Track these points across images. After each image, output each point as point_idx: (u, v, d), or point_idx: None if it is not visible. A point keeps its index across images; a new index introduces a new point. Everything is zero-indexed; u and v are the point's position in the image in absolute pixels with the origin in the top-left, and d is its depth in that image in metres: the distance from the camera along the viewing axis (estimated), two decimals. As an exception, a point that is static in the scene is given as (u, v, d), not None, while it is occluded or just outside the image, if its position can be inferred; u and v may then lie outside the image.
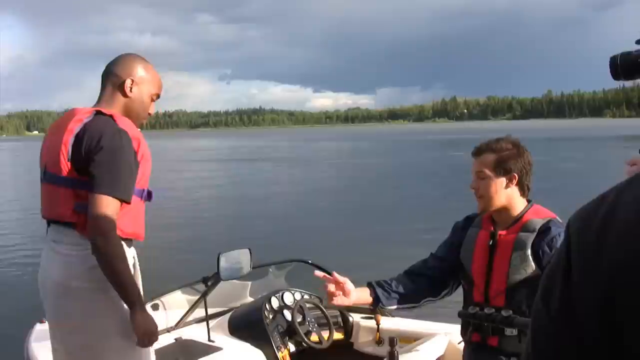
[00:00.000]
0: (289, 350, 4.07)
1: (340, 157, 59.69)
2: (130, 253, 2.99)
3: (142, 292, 2.96)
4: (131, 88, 3.04)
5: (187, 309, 4.38)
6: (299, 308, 4.21)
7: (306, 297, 4.46)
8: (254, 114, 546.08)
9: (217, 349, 3.99)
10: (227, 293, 4.64)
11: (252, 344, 4.05)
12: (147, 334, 2.84)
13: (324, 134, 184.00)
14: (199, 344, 4.07)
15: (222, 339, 4.14)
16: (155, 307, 4.47)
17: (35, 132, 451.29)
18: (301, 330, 4.12)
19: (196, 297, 4.34)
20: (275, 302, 4.24)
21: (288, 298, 4.33)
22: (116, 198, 2.80)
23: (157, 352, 3.16)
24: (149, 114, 3.14)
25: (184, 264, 12.84)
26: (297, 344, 4.16)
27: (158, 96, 3.17)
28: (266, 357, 3.98)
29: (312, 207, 22.86)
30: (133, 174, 2.90)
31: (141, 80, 3.07)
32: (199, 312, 4.34)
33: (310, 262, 4.70)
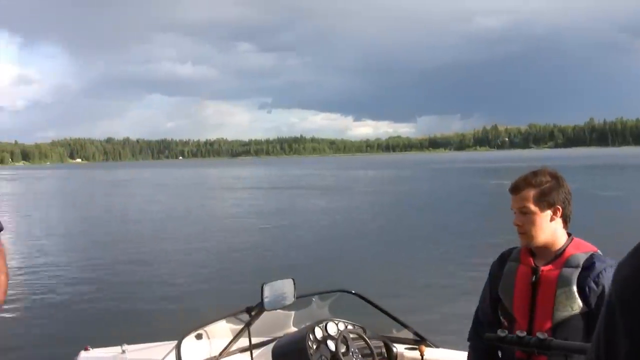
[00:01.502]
0: (332, 380, 4.05)
1: (381, 186, 59.59)
2: None
3: None
4: None
5: (230, 338, 4.39)
6: (342, 338, 4.18)
7: (350, 327, 4.43)
8: (294, 142, 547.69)
9: (261, 378, 3.99)
10: (270, 323, 4.64)
11: (295, 374, 4.03)
12: None
13: (364, 162, 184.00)
14: (243, 373, 4.07)
15: (266, 368, 4.13)
16: (199, 337, 4.50)
17: (79, 160, 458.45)
18: (345, 361, 4.09)
19: (240, 327, 4.34)
20: (319, 332, 4.22)
21: (332, 328, 4.31)
22: None
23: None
24: None
25: (228, 294, 12.91)
26: (341, 374, 4.14)
27: None
28: (310, 387, 3.96)
29: (354, 236, 22.82)
30: None
31: None
32: (243, 342, 4.34)
33: (353, 292, 4.69)
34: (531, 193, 2.94)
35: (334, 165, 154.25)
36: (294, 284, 4.19)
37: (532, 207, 2.93)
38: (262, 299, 3.96)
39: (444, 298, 12.32)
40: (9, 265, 3.06)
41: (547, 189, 2.94)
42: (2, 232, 3.12)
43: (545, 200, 2.93)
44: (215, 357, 4.32)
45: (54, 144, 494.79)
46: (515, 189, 3.01)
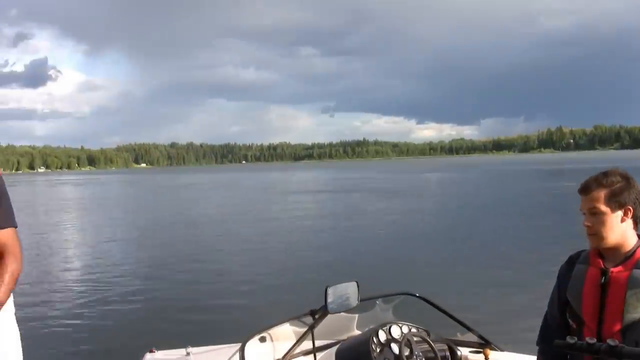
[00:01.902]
0: (397, 383, 4.04)
1: (444, 188, 59.20)
2: None
3: None
4: None
5: (294, 341, 4.41)
6: (406, 341, 4.16)
7: (414, 330, 4.41)
8: (357, 146, 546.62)
9: (325, 381, 4.00)
10: (334, 325, 4.64)
11: (359, 376, 4.03)
12: None
13: (427, 165, 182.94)
14: (307, 376, 4.09)
15: (330, 371, 4.14)
16: (262, 340, 4.53)
17: (143, 165, 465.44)
18: (409, 364, 4.08)
19: (304, 330, 4.35)
20: (382, 335, 4.21)
21: (395, 331, 4.29)
22: None
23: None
24: None
25: (291, 296, 12.98)
26: (405, 377, 4.12)
27: None
28: (374, 391, 3.96)
29: (418, 239, 22.75)
30: None
31: None
32: (307, 345, 4.36)
33: (417, 295, 4.67)
34: (602, 193, 2.90)
35: (397, 168, 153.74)
36: (358, 286, 4.18)
37: (603, 207, 2.90)
38: (325, 302, 3.96)
39: (508, 301, 12.17)
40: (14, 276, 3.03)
41: (617, 190, 2.90)
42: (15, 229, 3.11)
43: (616, 201, 2.89)
44: None
45: (119, 149, 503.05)
46: (586, 189, 2.97)
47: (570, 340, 2.26)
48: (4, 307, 2.89)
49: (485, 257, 17.76)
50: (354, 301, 4.20)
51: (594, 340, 2.18)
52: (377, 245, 21.32)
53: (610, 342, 2.13)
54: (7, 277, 2.90)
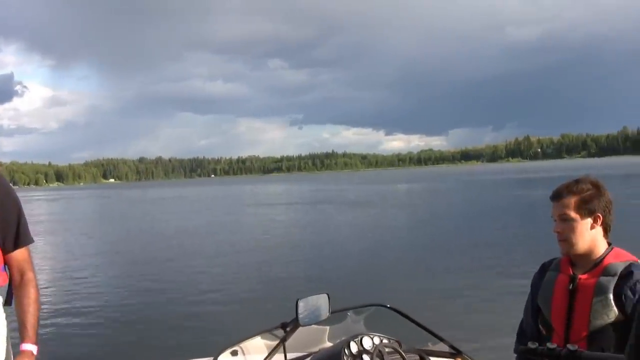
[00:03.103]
0: (369, 395, 4.03)
1: (413, 199, 59.42)
2: None
3: None
4: None
5: (266, 354, 4.40)
6: (378, 352, 4.16)
7: (385, 341, 4.41)
8: (326, 158, 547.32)
9: (297, 394, 3.98)
10: (306, 338, 4.64)
11: (331, 389, 4.02)
12: None
13: (396, 176, 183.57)
14: (279, 389, 4.07)
15: (302, 384, 4.13)
16: (234, 353, 4.51)
17: (112, 180, 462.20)
18: (381, 375, 4.08)
19: (275, 343, 4.33)
20: (354, 347, 4.21)
21: (367, 342, 4.29)
22: None
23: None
24: None
25: (262, 310, 12.95)
26: (377, 388, 4.12)
27: None
28: (345, 403, 3.95)
29: (388, 250, 22.79)
30: None
31: None
32: (279, 358, 4.34)
33: (388, 306, 4.68)
34: (572, 200, 2.98)
35: (367, 179, 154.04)
36: (329, 298, 4.18)
37: (573, 214, 2.96)
38: (297, 315, 3.96)
39: (479, 310, 12.25)
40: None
41: (588, 197, 2.97)
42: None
43: (586, 208, 2.96)
44: (251, 373, 4.33)
45: (87, 164, 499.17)
46: (557, 196, 3.04)
47: (532, 345, 2.27)
48: None
49: (456, 267, 17.84)
50: (325, 313, 4.20)
51: (555, 346, 2.20)
52: (348, 257, 21.33)
53: (569, 346, 2.15)
54: (34, 310, 2.96)
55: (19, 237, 3.06)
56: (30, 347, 2.81)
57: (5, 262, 3.03)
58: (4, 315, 3.08)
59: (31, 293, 3.02)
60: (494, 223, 30.04)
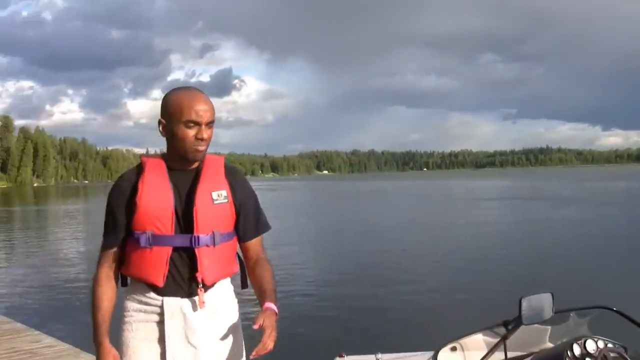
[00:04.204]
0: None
1: (634, 198, 56.32)
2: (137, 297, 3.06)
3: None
4: (163, 129, 2.98)
5: (485, 352, 4.40)
6: (602, 357, 4.06)
7: (610, 345, 4.29)
8: (540, 154, 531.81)
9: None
10: (526, 337, 4.59)
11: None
12: None
13: (614, 173, 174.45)
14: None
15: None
16: (453, 349, 4.54)
17: (325, 172, 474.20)
18: (604, 379, 3.98)
19: (496, 341, 4.32)
20: (577, 349, 4.12)
21: (590, 346, 4.19)
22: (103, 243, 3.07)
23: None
24: (201, 139, 2.93)
25: (482, 306, 12.89)
26: (600, 392, 4.02)
27: (193, 122, 2.90)
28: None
29: (614, 250, 21.80)
30: (109, 220, 3.02)
31: (166, 117, 2.94)
32: (498, 356, 4.33)
33: (614, 309, 4.54)
34: None
35: (584, 176, 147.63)
36: (553, 298, 4.13)
37: None
38: (520, 313, 3.94)
39: None
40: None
41: None
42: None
43: None
44: (469, 370, 4.35)
45: (301, 156, 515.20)
46: None
47: None
48: None
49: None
50: (548, 313, 4.14)
51: None
52: (571, 256, 20.63)
53: None
54: (270, 277, 3.24)
55: (259, 226, 3.27)
56: (271, 305, 3.00)
57: (242, 249, 3.28)
58: (235, 300, 3.31)
59: (266, 265, 3.23)
60: None
